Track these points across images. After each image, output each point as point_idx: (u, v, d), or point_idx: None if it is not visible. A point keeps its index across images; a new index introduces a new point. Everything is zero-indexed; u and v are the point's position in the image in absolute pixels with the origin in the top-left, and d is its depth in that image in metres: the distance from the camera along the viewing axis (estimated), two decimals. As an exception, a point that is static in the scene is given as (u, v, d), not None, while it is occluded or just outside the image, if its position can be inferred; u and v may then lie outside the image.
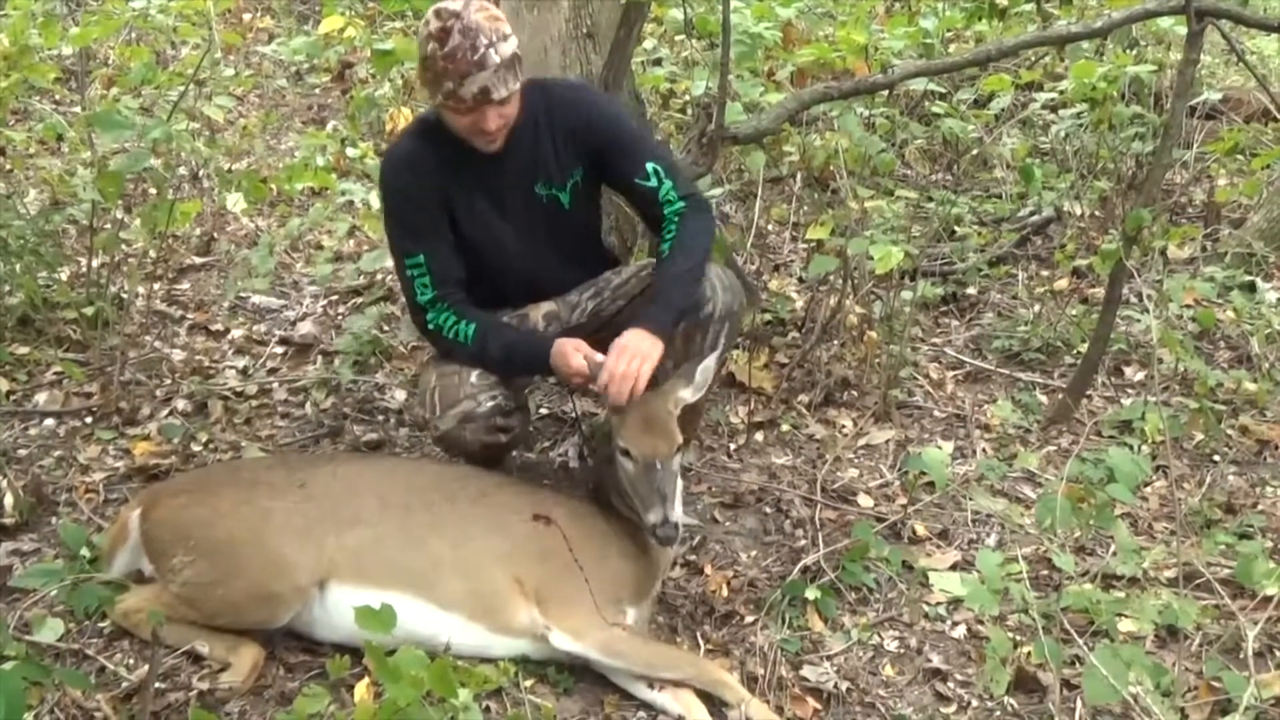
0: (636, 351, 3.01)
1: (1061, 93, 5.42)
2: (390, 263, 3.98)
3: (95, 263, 4.36)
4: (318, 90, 7.25)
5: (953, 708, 2.98)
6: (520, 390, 3.37)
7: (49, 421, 3.85)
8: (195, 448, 3.75)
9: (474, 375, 3.20)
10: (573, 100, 3.27)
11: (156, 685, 2.64)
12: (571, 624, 2.87)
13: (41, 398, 3.97)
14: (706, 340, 3.27)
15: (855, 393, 4.40)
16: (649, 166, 3.23)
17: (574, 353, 3.07)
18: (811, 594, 3.25)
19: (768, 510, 3.70)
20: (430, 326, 3.20)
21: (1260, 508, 3.81)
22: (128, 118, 3.86)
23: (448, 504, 3.01)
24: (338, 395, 4.11)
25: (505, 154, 3.17)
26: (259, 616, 2.82)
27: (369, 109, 6.05)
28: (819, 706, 2.93)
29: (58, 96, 6.39)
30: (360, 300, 4.83)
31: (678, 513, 2.94)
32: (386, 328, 4.53)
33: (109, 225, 4.37)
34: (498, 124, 3.02)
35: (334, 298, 4.84)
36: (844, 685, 2.99)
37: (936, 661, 3.13)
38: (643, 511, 2.94)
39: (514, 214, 3.25)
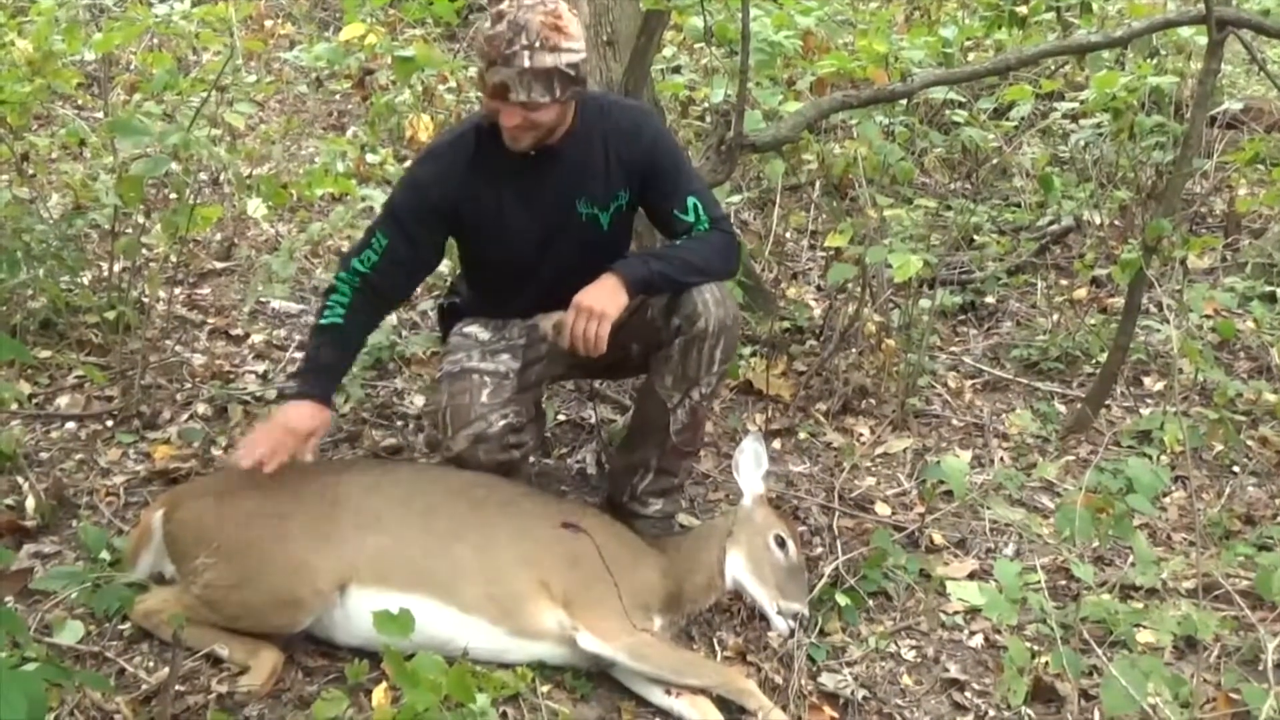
0: (594, 310, 3.01)
1: (1082, 102, 5.41)
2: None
3: (117, 267, 4.38)
4: (338, 96, 7.27)
5: (970, 717, 2.98)
6: (533, 402, 3.36)
7: (70, 425, 3.87)
8: (215, 452, 3.76)
9: (484, 394, 3.19)
10: (630, 122, 3.24)
11: (176, 688, 2.65)
12: (601, 626, 2.88)
13: (63, 401, 3.99)
14: (702, 357, 3.21)
15: (873, 401, 4.39)
16: (690, 201, 3.21)
17: (289, 425, 3.02)
18: (842, 600, 3.25)
19: (785, 518, 3.70)
20: (336, 280, 3.20)
21: (1280, 519, 3.80)
22: (146, 124, 3.88)
23: (472, 510, 3.02)
24: (356, 400, 4.12)
25: (550, 164, 3.15)
26: (279, 620, 2.83)
27: (389, 115, 6.08)
28: (836, 714, 2.93)
29: (80, 102, 6.43)
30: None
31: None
32: (405, 332, 4.54)
33: (130, 230, 4.38)
34: (516, 122, 2.99)
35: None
36: (861, 693, 2.99)
37: (954, 671, 3.13)
38: (783, 599, 3.07)
39: (548, 226, 3.22)
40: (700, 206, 3.21)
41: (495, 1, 3.00)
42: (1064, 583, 3.46)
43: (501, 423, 3.18)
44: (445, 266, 4.05)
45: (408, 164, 3.28)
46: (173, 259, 4.63)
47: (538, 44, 2.89)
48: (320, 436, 3.09)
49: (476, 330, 3.35)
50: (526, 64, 2.89)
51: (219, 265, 5.13)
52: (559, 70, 2.93)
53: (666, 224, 3.28)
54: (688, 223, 3.22)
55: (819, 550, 3.55)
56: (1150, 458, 4.04)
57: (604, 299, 3.03)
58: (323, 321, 3.17)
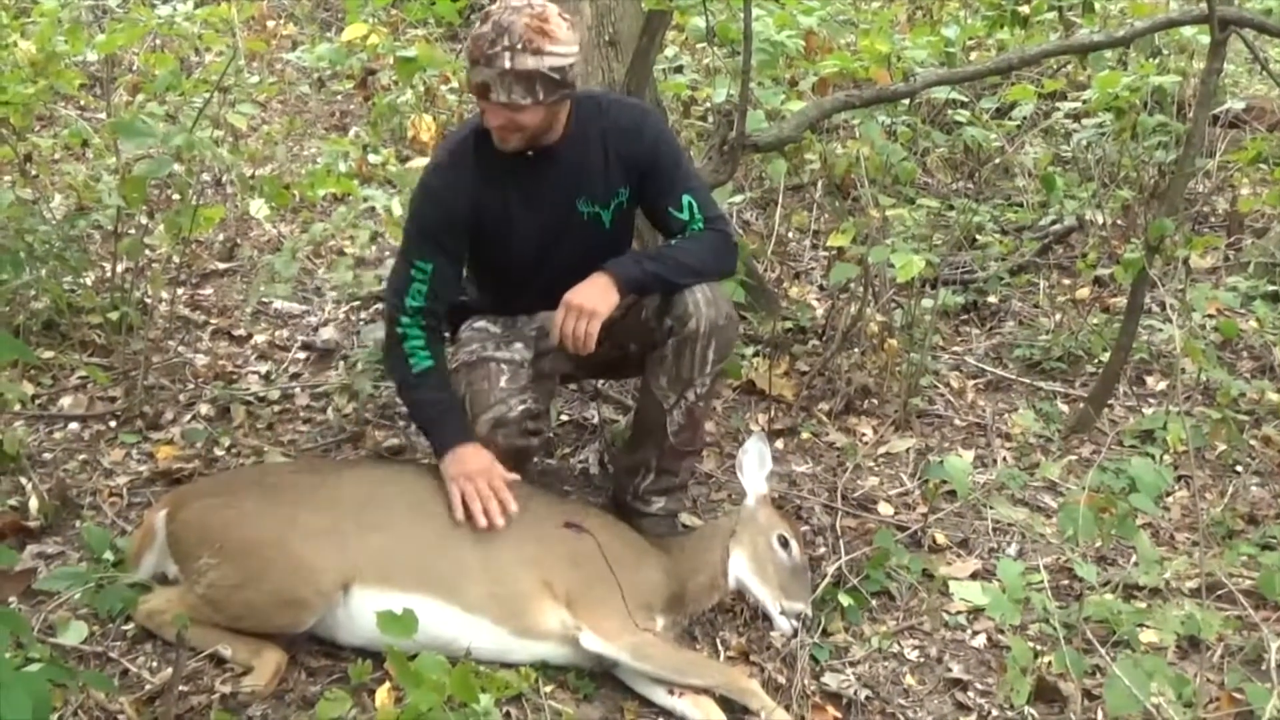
0: (584, 308, 3.03)
1: (1085, 102, 5.41)
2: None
3: (120, 268, 4.38)
4: (340, 97, 7.28)
5: (973, 717, 2.98)
6: (546, 394, 3.38)
7: (73, 425, 3.87)
8: (218, 452, 3.77)
9: (503, 380, 3.21)
10: (628, 118, 3.25)
11: (179, 688, 2.65)
12: (603, 626, 2.88)
13: (66, 401, 3.99)
14: (695, 358, 3.21)
15: (875, 401, 4.39)
16: (685, 199, 3.22)
17: (473, 470, 3.02)
18: (845, 600, 3.25)
19: (788, 518, 3.70)
20: (398, 329, 3.18)
21: (1283, 518, 3.80)
22: (150, 125, 3.88)
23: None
24: (359, 401, 4.12)
25: (548, 164, 3.16)
26: (283, 620, 2.83)
27: (391, 116, 6.08)
28: (839, 714, 2.93)
29: (83, 103, 6.43)
30: (381, 306, 4.83)
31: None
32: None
33: (133, 231, 4.39)
34: (500, 123, 3.00)
35: (356, 304, 4.86)
36: (864, 693, 2.99)
37: (957, 671, 3.12)
38: (786, 599, 3.08)
39: (549, 226, 3.23)
40: (696, 205, 3.22)
41: (493, 2, 3.02)
42: (1067, 582, 3.45)
43: (521, 407, 3.20)
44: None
45: (422, 180, 3.26)
46: (175, 260, 4.64)
47: (519, 46, 2.90)
48: (498, 462, 3.07)
49: (487, 324, 3.38)
50: (507, 65, 2.91)
51: (221, 266, 5.14)
52: (541, 73, 2.93)
53: (662, 221, 3.30)
54: (682, 221, 3.22)
55: (822, 550, 3.55)
56: (1153, 457, 4.04)
57: (594, 297, 3.05)
58: (416, 371, 3.17)
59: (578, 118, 3.17)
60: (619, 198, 3.26)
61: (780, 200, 5.30)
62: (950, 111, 5.49)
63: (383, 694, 2.70)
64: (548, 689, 2.84)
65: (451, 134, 3.39)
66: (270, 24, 7.95)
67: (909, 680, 3.09)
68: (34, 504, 3.38)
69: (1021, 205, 5.98)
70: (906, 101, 5.01)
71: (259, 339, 4.57)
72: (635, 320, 3.23)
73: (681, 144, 4.32)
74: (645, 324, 3.24)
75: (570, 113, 3.15)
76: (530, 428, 3.23)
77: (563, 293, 3.12)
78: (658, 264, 3.16)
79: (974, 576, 3.47)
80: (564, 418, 4.18)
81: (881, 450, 4.14)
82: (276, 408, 4.10)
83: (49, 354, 4.17)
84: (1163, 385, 4.68)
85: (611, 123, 3.22)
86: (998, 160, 6.06)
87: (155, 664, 2.86)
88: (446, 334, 3.38)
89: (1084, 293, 5.30)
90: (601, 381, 4.13)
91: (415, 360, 3.17)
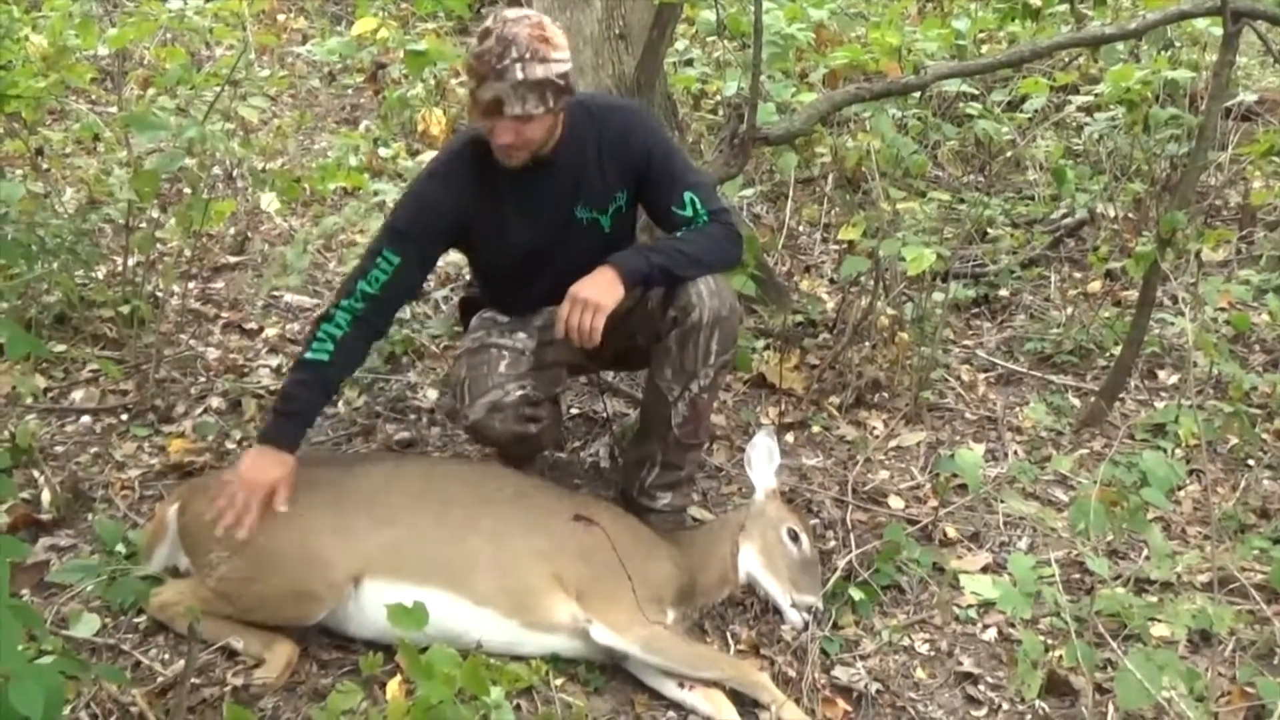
0: (589, 301, 3.03)
1: (1097, 95, 5.39)
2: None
3: (131, 261, 4.39)
4: (351, 91, 7.29)
5: (983, 711, 2.98)
6: (550, 383, 3.37)
7: (85, 418, 3.88)
8: (229, 445, 3.77)
9: (502, 365, 3.23)
10: (618, 121, 3.25)
11: (192, 680, 2.66)
12: (614, 619, 2.89)
13: (78, 395, 4.00)
14: (699, 349, 3.22)
15: (886, 394, 4.38)
16: (686, 196, 3.21)
17: (252, 481, 2.88)
18: (855, 593, 3.25)
19: (798, 511, 3.70)
20: (334, 308, 3.10)
21: (1295, 512, 3.78)
22: (163, 118, 3.89)
23: (485, 503, 3.03)
24: (370, 394, 4.13)
25: (545, 173, 3.17)
26: (294, 613, 2.84)
27: (401, 109, 6.10)
28: (849, 708, 2.93)
29: (94, 97, 6.44)
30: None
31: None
32: (418, 326, 4.54)
33: (145, 224, 4.40)
34: (510, 139, 3.01)
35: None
36: (875, 687, 2.99)
37: (967, 664, 3.12)
38: (796, 593, 3.09)
39: (549, 234, 3.24)
40: (697, 201, 3.22)
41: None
42: (1078, 576, 3.45)
43: (518, 393, 3.20)
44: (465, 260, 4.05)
45: (416, 180, 3.27)
46: (187, 253, 4.65)
47: (528, 56, 2.91)
48: (289, 484, 2.93)
49: (495, 314, 3.40)
50: (520, 76, 2.91)
51: (232, 259, 5.14)
52: (550, 81, 2.95)
53: (665, 220, 3.29)
54: (686, 217, 3.22)
55: (832, 544, 3.55)
56: (1165, 451, 4.02)
57: (600, 291, 3.05)
58: (308, 356, 3.08)
59: (570, 124, 3.18)
60: (617, 202, 3.28)
61: (791, 193, 5.30)
62: (961, 104, 5.48)
63: (394, 686, 2.70)
64: (558, 682, 2.85)
65: (449, 142, 3.39)
66: (280, 18, 7.96)
67: (920, 674, 3.09)
68: (46, 497, 3.40)
69: (1033, 198, 5.96)
70: (917, 94, 5.00)
71: (270, 332, 4.57)
72: (641, 312, 3.24)
73: (690, 137, 4.30)
74: (650, 315, 3.24)
75: (564, 120, 3.16)
76: (528, 414, 3.24)
77: (562, 295, 3.12)
78: (663, 256, 3.16)
79: (985, 570, 3.47)
80: (574, 411, 4.18)
81: (892, 444, 4.14)
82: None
83: (61, 348, 4.18)
84: (1174, 379, 4.66)
85: (603, 127, 3.23)
86: (1009, 153, 6.05)
87: (167, 656, 2.87)
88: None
89: (1095, 286, 5.28)
90: (612, 375, 4.13)
91: (316, 346, 3.06)
